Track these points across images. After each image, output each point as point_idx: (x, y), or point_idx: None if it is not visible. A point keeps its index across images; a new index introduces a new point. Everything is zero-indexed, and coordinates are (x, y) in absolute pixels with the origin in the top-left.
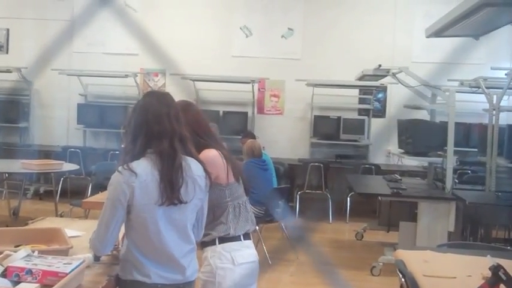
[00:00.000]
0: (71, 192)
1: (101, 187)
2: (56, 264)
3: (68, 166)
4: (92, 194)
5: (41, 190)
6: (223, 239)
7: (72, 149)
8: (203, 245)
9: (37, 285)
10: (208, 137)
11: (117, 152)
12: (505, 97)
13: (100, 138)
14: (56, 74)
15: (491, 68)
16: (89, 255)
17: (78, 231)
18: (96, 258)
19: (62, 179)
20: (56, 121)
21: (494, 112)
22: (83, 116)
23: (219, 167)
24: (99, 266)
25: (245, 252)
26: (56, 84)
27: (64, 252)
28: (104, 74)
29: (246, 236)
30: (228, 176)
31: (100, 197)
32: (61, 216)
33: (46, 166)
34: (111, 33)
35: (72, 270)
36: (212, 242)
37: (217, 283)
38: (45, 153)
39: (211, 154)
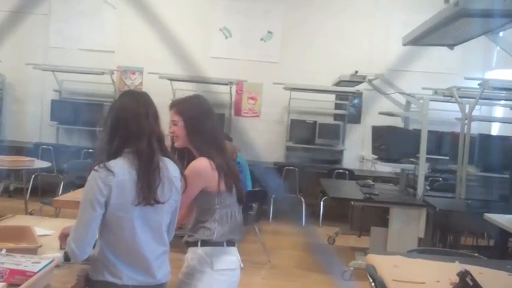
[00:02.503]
0: (41, 190)
1: (73, 185)
2: (24, 263)
3: (40, 163)
4: (64, 192)
5: (11, 187)
6: (206, 243)
7: (45, 146)
8: (186, 245)
9: (4, 284)
10: (210, 143)
11: (90, 150)
12: (477, 107)
13: (73, 135)
14: (30, 69)
15: (465, 78)
16: (58, 255)
17: (48, 229)
18: (66, 258)
19: (33, 176)
20: (28, 117)
21: (466, 121)
22: (56, 113)
23: (205, 179)
24: (69, 266)
25: (226, 259)
26: (30, 79)
27: (33, 251)
28: (79, 70)
29: (230, 243)
30: (218, 185)
31: (72, 195)
32: (31, 214)
33: (17, 162)
34: (88, 29)
35: (41, 269)
36: (194, 244)
37: (192, 285)
38: (17, 150)
39: (197, 165)
